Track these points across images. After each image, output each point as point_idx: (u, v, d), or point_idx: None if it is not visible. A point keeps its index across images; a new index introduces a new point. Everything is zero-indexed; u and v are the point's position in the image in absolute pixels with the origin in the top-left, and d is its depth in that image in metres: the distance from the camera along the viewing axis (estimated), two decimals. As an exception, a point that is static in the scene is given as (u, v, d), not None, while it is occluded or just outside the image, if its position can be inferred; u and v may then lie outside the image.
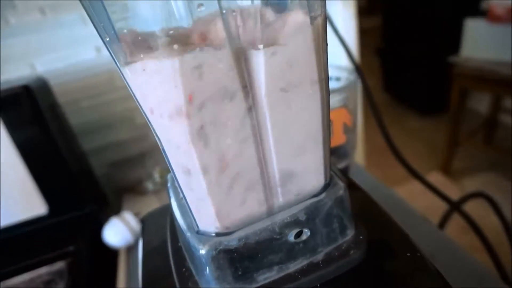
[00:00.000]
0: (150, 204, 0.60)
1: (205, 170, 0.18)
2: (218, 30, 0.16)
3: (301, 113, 0.18)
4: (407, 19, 2.04)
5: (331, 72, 0.47)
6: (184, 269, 0.23)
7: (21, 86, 0.41)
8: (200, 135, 0.17)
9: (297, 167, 0.20)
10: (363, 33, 0.82)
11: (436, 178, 1.57)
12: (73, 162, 0.49)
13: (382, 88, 2.42)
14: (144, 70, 0.16)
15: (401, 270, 0.23)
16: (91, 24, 0.56)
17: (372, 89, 0.48)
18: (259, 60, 0.17)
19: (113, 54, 0.17)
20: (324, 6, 0.18)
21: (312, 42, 0.17)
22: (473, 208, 0.51)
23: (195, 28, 0.16)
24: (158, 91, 0.17)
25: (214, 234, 0.20)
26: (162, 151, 0.19)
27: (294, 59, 0.17)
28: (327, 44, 0.19)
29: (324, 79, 0.19)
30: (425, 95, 2.07)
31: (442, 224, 0.47)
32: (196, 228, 0.21)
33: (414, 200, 0.62)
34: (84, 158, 0.58)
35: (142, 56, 0.16)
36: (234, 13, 0.16)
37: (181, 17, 0.16)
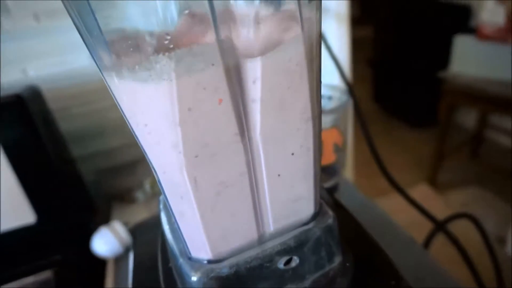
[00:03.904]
0: (140, 213, 0.60)
1: (198, 200, 0.18)
2: (208, 39, 0.15)
3: (294, 152, 0.19)
4: (399, 32, 2.08)
5: (324, 91, 0.48)
6: (174, 292, 0.24)
7: (13, 95, 0.41)
8: (194, 165, 0.17)
9: (288, 198, 0.21)
10: (355, 42, 0.83)
11: (422, 190, 1.59)
12: (64, 170, 0.49)
13: (373, 98, 2.45)
14: (133, 80, 0.16)
15: (385, 298, 0.23)
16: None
17: (362, 99, 0.50)
18: (256, 73, 0.16)
19: (95, 57, 0.16)
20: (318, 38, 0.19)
21: (306, 72, 0.18)
22: (459, 222, 0.53)
23: (183, 30, 0.15)
24: (148, 107, 0.16)
25: (206, 262, 0.21)
26: (154, 173, 0.19)
27: (288, 84, 0.18)
28: (321, 82, 0.20)
29: (318, 116, 0.19)
30: (415, 108, 2.11)
31: (427, 243, 0.49)
32: (188, 255, 0.21)
33: (401, 212, 0.63)
34: (74, 165, 0.58)
35: (132, 65, 0.15)
36: (227, 19, 0.15)
37: (166, 17, 0.14)
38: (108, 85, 0.17)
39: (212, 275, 0.20)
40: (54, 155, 0.46)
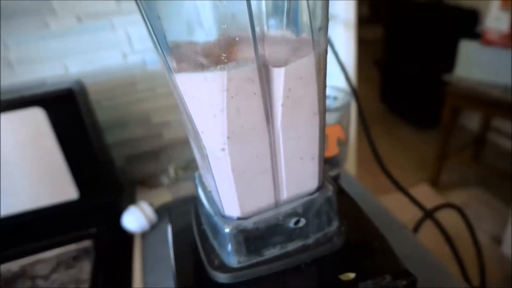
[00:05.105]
0: (162, 196, 0.67)
1: (233, 170, 0.25)
2: (246, 51, 0.22)
3: (305, 137, 0.26)
4: (407, 35, 2.13)
5: (331, 92, 0.55)
6: (207, 245, 0.31)
7: (66, 89, 0.49)
8: (233, 144, 0.24)
9: (299, 174, 0.28)
10: (366, 43, 0.87)
11: (424, 189, 1.65)
12: (101, 155, 0.56)
13: (379, 98, 2.51)
14: (192, 82, 0.22)
15: (371, 254, 0.30)
16: (120, 32, 0.68)
17: (369, 99, 0.56)
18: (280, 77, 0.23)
19: (166, 61, 0.23)
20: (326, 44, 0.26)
21: (314, 77, 0.24)
22: (454, 217, 0.58)
23: (224, 43, 0.21)
24: (204, 100, 0.23)
25: (236, 218, 0.27)
26: (202, 149, 0.26)
27: (302, 84, 0.24)
28: (326, 85, 0.27)
29: (323, 112, 0.26)
30: (420, 109, 2.16)
31: (416, 228, 0.55)
32: (222, 213, 0.28)
33: (400, 210, 0.68)
34: (108, 151, 0.65)
35: (193, 70, 0.22)
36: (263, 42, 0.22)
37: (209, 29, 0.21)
38: (174, 83, 0.24)
39: (240, 228, 0.27)
40: (94, 141, 0.53)
